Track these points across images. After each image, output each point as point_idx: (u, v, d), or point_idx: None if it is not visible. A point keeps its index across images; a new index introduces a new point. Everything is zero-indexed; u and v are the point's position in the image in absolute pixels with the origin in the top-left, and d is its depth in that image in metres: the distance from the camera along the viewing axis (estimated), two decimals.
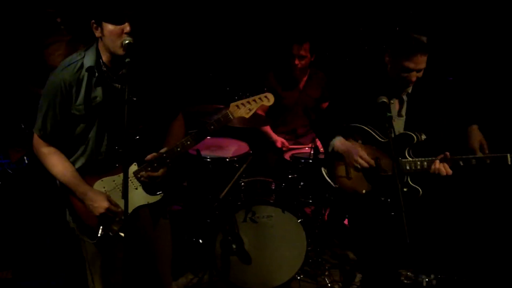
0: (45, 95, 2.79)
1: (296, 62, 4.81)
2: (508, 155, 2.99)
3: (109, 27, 2.63)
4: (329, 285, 4.31)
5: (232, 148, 4.75)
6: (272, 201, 4.19)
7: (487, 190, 3.99)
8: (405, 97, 3.30)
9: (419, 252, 3.78)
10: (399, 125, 3.29)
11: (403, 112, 3.30)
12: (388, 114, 3.00)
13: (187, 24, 5.40)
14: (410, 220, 2.82)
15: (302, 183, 4.44)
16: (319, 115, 3.58)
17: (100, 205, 2.77)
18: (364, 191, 3.29)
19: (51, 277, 3.91)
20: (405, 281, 4.27)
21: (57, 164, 2.82)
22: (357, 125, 3.30)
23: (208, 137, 4.83)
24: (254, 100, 2.84)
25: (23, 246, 3.99)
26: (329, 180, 3.40)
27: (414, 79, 3.16)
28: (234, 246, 4.11)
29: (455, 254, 4.25)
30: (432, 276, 4.20)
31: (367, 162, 3.21)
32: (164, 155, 2.83)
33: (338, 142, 3.32)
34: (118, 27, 2.62)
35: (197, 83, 5.32)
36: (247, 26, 5.49)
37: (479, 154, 3.16)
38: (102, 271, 2.94)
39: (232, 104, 2.84)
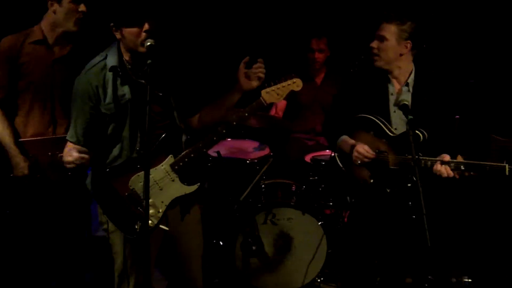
0: (74, 101, 2.87)
1: (316, 56, 4.88)
2: (507, 165, 3.01)
3: (128, 29, 2.72)
4: None
5: (253, 150, 4.75)
6: (292, 203, 4.19)
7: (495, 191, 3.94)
8: (406, 88, 3.29)
9: (439, 255, 3.75)
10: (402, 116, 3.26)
11: (405, 101, 3.26)
12: (410, 117, 3.00)
13: (202, 22, 5.42)
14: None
15: (322, 186, 4.43)
16: (327, 116, 3.63)
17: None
18: (372, 181, 3.31)
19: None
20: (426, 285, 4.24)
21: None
22: (368, 116, 3.31)
23: (229, 139, 4.85)
24: (283, 86, 2.91)
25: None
26: (340, 165, 3.43)
27: (374, 45, 3.27)
28: (254, 248, 4.11)
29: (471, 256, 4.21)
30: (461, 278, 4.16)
31: (367, 156, 3.23)
32: (201, 145, 2.89)
33: (342, 142, 3.36)
34: (137, 28, 2.71)
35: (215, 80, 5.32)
36: (262, 24, 5.49)
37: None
38: (136, 270, 2.96)
39: (263, 91, 2.90)
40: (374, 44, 3.27)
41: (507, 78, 3.83)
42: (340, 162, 3.43)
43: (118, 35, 2.78)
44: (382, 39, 3.22)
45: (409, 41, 3.22)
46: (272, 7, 5.47)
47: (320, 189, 4.43)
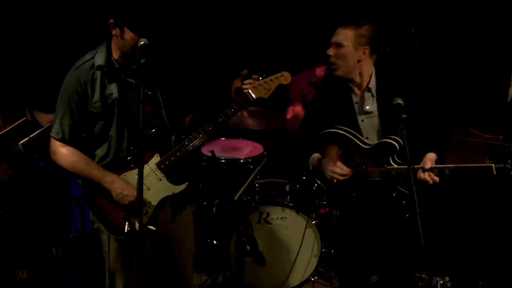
0: (61, 97, 2.82)
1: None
2: (493, 165, 2.91)
3: (130, 34, 2.66)
4: None
5: (247, 149, 4.75)
6: (286, 203, 4.19)
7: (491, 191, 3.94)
8: (368, 93, 3.14)
9: (433, 254, 3.75)
10: (375, 123, 3.15)
11: (371, 108, 3.15)
12: (403, 116, 2.92)
13: (199, 23, 5.41)
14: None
15: (316, 185, 4.43)
16: (295, 136, 3.46)
17: (130, 193, 2.75)
18: (354, 194, 3.17)
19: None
20: (420, 283, 4.27)
21: (79, 160, 2.83)
22: (337, 131, 3.15)
23: (223, 138, 4.85)
24: (271, 80, 2.82)
25: (38, 246, 4.02)
26: (319, 182, 3.29)
27: (330, 53, 3.08)
28: (248, 247, 4.12)
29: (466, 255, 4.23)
30: (447, 279, 4.19)
31: (343, 174, 3.08)
32: (186, 143, 2.85)
33: (314, 160, 3.21)
34: (140, 36, 2.65)
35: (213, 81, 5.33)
36: (254, 26, 5.48)
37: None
38: (125, 270, 2.94)
39: (250, 86, 2.81)
40: (331, 52, 3.08)
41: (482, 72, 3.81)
42: (319, 179, 3.28)
43: (115, 32, 2.72)
44: (339, 45, 3.06)
45: (367, 46, 3.06)
46: (264, 8, 5.46)
47: (314, 188, 4.43)
